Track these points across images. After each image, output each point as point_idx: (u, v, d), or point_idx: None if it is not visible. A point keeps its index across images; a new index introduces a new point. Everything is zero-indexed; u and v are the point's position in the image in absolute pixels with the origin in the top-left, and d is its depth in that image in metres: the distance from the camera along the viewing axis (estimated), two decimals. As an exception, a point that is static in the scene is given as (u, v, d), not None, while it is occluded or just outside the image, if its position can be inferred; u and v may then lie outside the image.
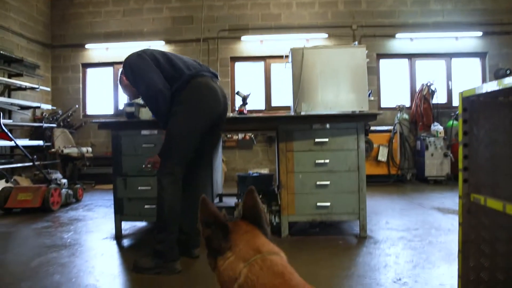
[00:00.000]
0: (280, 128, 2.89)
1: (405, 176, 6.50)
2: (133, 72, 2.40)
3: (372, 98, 3.12)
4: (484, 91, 1.71)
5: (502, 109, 1.85)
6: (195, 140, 2.38)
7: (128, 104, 3.32)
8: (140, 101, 3.39)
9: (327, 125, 2.88)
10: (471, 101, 1.90)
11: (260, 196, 3.05)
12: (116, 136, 3.01)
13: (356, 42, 4.91)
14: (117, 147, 3.01)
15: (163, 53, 2.51)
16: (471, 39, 7.05)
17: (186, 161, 2.39)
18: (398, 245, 2.76)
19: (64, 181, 4.84)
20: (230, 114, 3.49)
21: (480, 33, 6.95)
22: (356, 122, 2.87)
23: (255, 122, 2.91)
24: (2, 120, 4.32)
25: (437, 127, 6.37)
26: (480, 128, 1.90)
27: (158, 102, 2.34)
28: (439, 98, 6.77)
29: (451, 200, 4.58)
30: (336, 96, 2.97)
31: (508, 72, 6.88)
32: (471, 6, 7.02)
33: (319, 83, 2.97)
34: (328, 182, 2.89)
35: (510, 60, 6.97)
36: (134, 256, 2.44)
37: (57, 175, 4.77)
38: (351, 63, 2.97)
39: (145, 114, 3.24)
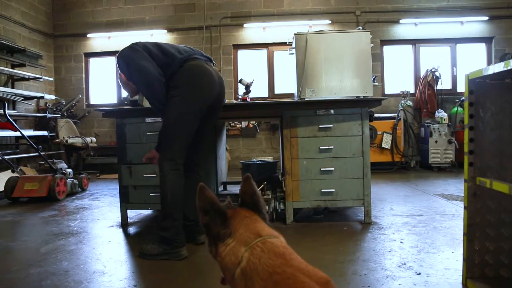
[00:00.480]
0: (285, 114, 2.88)
1: (409, 163, 6.49)
2: (127, 64, 2.38)
3: (376, 84, 3.09)
4: (491, 72, 1.70)
5: (509, 91, 1.83)
6: (192, 124, 2.36)
7: (132, 93, 3.32)
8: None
9: (332, 111, 2.86)
10: (478, 83, 1.88)
11: (265, 183, 3.07)
12: (120, 124, 3.01)
13: (361, 27, 4.85)
14: (122, 135, 3.02)
15: (155, 43, 2.50)
16: (477, 24, 6.95)
17: (186, 146, 2.38)
18: (403, 230, 2.77)
19: (69, 171, 4.87)
20: (233, 101, 3.48)
21: (486, 18, 6.85)
22: (361, 108, 2.85)
23: (259, 108, 2.90)
24: (6, 111, 4.34)
25: (441, 114, 6.33)
26: (486, 110, 1.89)
27: (154, 89, 2.33)
28: (444, 84, 6.71)
29: (455, 186, 4.58)
30: (340, 82, 2.94)
31: (514, 57, 6.81)
32: (477, -11, 6.91)
33: (323, 69, 2.95)
34: (332, 168, 2.88)
35: (517, 45, 6.89)
36: (140, 243, 2.46)
37: (62, 165, 4.80)
38: (355, 48, 2.94)
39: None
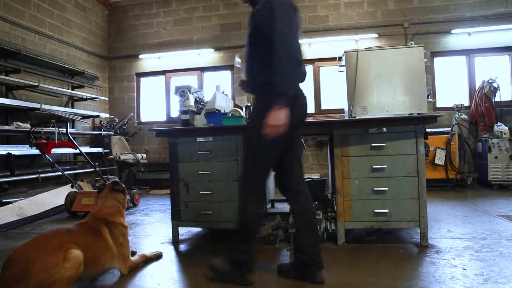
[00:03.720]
0: (335, 133, 2.83)
1: (465, 180, 6.10)
2: (283, 13, 2.00)
3: (430, 100, 2.96)
4: None
5: None
6: (281, 145, 2.16)
7: (183, 112, 3.44)
8: (194, 108, 3.50)
9: (384, 129, 2.77)
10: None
11: (316, 202, 3.01)
12: (173, 144, 3.11)
13: (413, 42, 4.71)
14: (174, 154, 3.11)
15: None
16: (538, 30, 6.49)
17: (272, 167, 2.24)
18: (464, 255, 2.58)
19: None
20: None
21: (548, 23, 6.39)
22: (415, 125, 2.74)
23: (310, 126, 2.87)
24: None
25: (501, 127, 5.92)
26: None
27: (289, 68, 1.96)
28: (503, 95, 6.29)
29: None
30: (393, 99, 2.85)
31: None
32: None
33: (375, 86, 2.88)
34: (386, 188, 2.78)
35: None
36: (192, 262, 2.51)
37: (116, 180, 5.01)
38: (408, 64, 2.85)
39: (199, 121, 3.32)
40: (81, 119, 6.63)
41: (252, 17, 2.13)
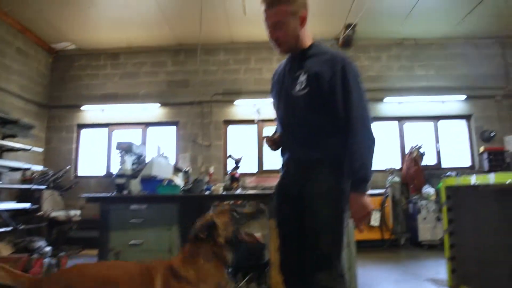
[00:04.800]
0: (269, 205, 2.88)
1: (399, 240, 6.39)
2: (358, 83, 1.82)
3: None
4: (463, 183, 1.75)
5: (484, 197, 1.88)
6: None
7: (119, 176, 3.33)
8: (129, 171, 3.41)
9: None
10: (455, 189, 1.93)
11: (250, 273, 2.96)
12: (104, 211, 2.98)
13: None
14: (105, 222, 2.97)
15: None
16: (456, 102, 7.31)
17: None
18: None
19: (48, 249, 4.69)
20: (220, 185, 3.50)
21: (463, 97, 7.24)
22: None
23: (243, 199, 2.90)
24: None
25: (428, 190, 6.40)
26: (465, 215, 1.92)
27: (372, 151, 1.78)
28: (429, 160, 6.88)
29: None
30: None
31: (492, 134, 7.10)
32: (453, 71, 7.37)
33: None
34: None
35: (494, 122, 7.20)
36: None
37: (41, 243, 4.63)
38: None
39: (135, 187, 3.23)
40: (9, 171, 6.15)
41: (315, 77, 1.80)
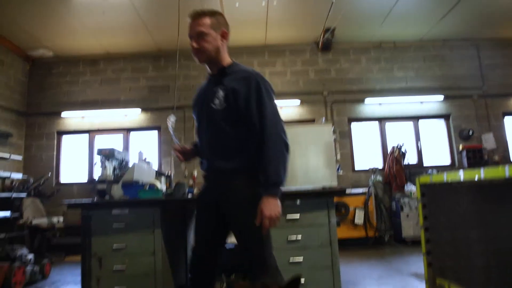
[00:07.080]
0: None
1: (383, 237, 6.50)
2: (267, 89, 1.96)
3: (341, 173, 3.21)
4: (436, 180, 1.81)
5: (457, 193, 1.95)
6: None
7: (100, 181, 3.31)
8: (110, 177, 3.39)
9: (298, 201, 2.91)
10: (429, 186, 2.00)
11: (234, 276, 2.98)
12: (85, 217, 2.94)
13: (324, 119, 5.13)
14: (87, 227, 2.93)
15: None
16: (434, 103, 7.50)
17: None
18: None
19: (30, 256, 4.59)
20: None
21: (441, 97, 7.42)
22: (327, 198, 2.92)
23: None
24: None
25: (410, 188, 6.52)
26: (440, 211, 1.98)
27: (285, 158, 1.91)
28: (410, 159, 7.03)
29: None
30: (305, 173, 3.04)
31: (470, 133, 7.30)
32: (431, 72, 7.57)
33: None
34: (301, 259, 2.86)
35: (472, 121, 7.41)
36: None
37: (23, 251, 4.53)
38: (319, 140, 3.10)
39: (117, 192, 3.21)
40: (-13, 181, 6.01)
41: (232, 93, 1.93)
